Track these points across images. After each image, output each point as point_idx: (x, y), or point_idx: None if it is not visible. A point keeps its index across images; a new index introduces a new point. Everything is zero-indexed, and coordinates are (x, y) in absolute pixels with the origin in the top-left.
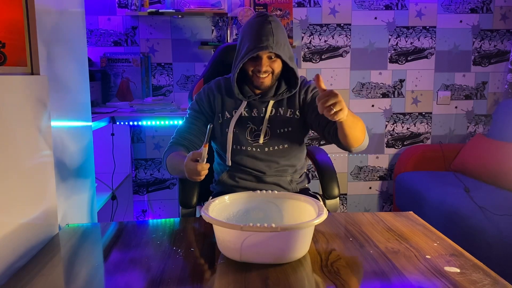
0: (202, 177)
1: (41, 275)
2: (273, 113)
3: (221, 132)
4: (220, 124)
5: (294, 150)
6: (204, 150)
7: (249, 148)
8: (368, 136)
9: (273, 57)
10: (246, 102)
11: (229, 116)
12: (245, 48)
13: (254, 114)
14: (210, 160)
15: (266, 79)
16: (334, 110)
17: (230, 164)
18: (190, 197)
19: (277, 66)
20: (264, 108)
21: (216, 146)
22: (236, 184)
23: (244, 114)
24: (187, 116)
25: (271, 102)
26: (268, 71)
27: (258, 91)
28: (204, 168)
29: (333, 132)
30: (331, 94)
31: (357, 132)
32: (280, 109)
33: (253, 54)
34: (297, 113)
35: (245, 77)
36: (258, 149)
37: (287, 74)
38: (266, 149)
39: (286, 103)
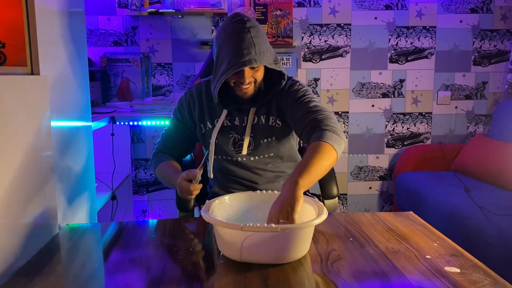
0: (193, 197)
1: (41, 275)
2: (255, 121)
3: (204, 143)
4: (203, 135)
5: (282, 157)
6: (199, 173)
7: (234, 158)
8: (343, 141)
9: (256, 67)
10: (227, 111)
11: (210, 126)
12: (225, 62)
13: (237, 123)
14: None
15: (249, 89)
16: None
17: (211, 177)
18: (187, 202)
19: (260, 74)
20: (245, 117)
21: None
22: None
23: (227, 123)
24: (171, 121)
25: (253, 110)
26: (251, 81)
27: (239, 98)
28: (196, 189)
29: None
30: (276, 215)
31: (325, 171)
32: (262, 117)
33: (236, 70)
34: (278, 121)
35: (226, 86)
36: (244, 159)
37: (270, 75)
38: (252, 158)
39: (265, 110)
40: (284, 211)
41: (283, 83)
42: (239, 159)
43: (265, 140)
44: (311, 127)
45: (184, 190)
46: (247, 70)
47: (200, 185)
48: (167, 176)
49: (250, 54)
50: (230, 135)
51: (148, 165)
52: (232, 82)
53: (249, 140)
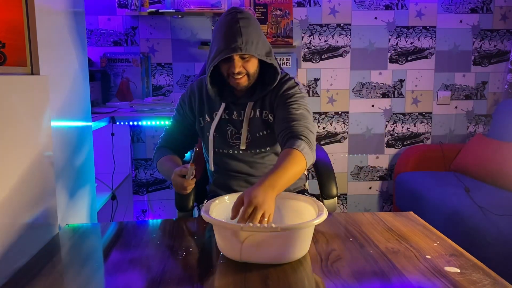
0: (188, 192)
1: (41, 275)
2: (252, 115)
3: (202, 136)
4: (201, 128)
5: (278, 152)
6: (190, 168)
7: (230, 151)
8: (313, 157)
9: (246, 57)
10: (225, 104)
11: (209, 119)
12: (214, 50)
13: (234, 116)
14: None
15: (242, 80)
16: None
17: (213, 169)
18: (186, 201)
19: (251, 66)
20: (243, 111)
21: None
22: (226, 192)
23: (225, 116)
24: (173, 117)
25: (250, 104)
26: (242, 72)
27: (237, 92)
28: (190, 184)
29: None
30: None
31: (296, 177)
32: (257, 110)
33: (223, 57)
34: (270, 116)
35: (225, 79)
36: (241, 152)
37: (269, 70)
38: (249, 151)
39: (260, 104)
40: (257, 214)
41: (278, 78)
42: (236, 151)
43: (261, 134)
44: (289, 133)
45: (178, 185)
46: (236, 59)
47: (194, 180)
48: (165, 170)
49: (236, 42)
50: (228, 128)
51: (148, 165)
52: (225, 72)
53: (247, 133)
